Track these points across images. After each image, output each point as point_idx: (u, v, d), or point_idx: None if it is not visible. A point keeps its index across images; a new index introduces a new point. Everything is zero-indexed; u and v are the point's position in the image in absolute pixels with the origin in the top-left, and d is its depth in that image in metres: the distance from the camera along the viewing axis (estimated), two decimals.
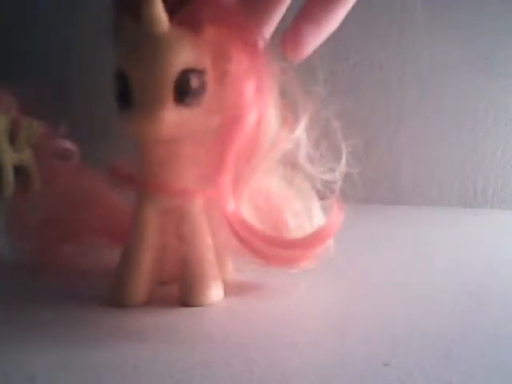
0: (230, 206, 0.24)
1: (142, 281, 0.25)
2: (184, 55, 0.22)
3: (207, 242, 0.25)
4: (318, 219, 0.27)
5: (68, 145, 0.69)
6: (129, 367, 0.18)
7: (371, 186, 0.62)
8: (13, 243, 0.30)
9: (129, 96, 0.22)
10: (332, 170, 0.25)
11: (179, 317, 0.24)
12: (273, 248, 0.24)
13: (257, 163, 0.24)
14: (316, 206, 0.27)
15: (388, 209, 0.60)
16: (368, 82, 0.63)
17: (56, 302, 0.25)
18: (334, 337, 0.21)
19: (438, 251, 0.38)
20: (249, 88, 0.23)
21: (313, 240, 0.24)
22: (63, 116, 0.66)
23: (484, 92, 0.60)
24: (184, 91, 0.22)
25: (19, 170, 0.72)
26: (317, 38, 0.25)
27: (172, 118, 0.22)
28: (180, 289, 0.25)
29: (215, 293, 0.25)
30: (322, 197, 0.27)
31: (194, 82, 0.22)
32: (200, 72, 0.23)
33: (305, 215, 0.27)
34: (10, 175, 0.71)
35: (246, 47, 0.24)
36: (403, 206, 0.61)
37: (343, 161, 0.25)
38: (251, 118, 0.23)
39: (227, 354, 0.19)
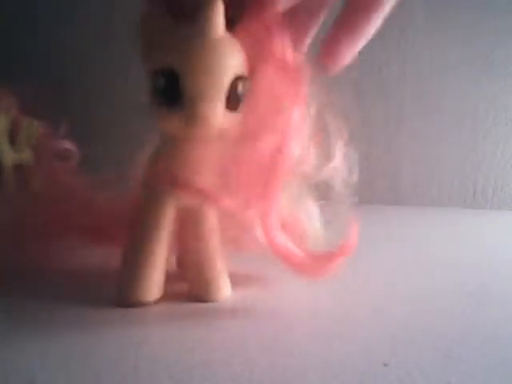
0: (277, 236, 0.25)
1: (157, 277, 0.25)
2: (238, 61, 0.23)
3: (219, 240, 0.26)
4: (317, 222, 0.27)
5: (68, 145, 0.69)
6: (129, 367, 0.18)
7: (371, 186, 0.62)
8: (8, 243, 0.30)
9: (175, 93, 0.23)
10: (334, 170, 0.26)
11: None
12: (309, 263, 0.25)
13: (283, 183, 0.25)
14: (314, 209, 0.27)
15: (388, 209, 0.60)
16: (368, 82, 0.63)
17: (53, 303, 0.25)
18: (334, 337, 0.21)
19: (438, 251, 0.38)
20: (293, 113, 0.24)
21: (337, 254, 0.25)
22: (63, 116, 0.66)
23: (484, 92, 0.60)
24: (233, 96, 0.23)
25: (19, 170, 0.72)
26: (354, 47, 0.25)
27: (221, 120, 0.23)
28: (193, 285, 0.26)
29: (227, 289, 0.27)
30: (323, 197, 0.27)
31: (242, 87, 0.24)
32: (245, 78, 0.24)
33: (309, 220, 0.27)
34: (10, 175, 0.71)
35: (281, 61, 0.24)
36: (403, 206, 0.61)
37: (351, 162, 0.26)
38: (293, 145, 0.24)
39: (227, 354, 0.19)
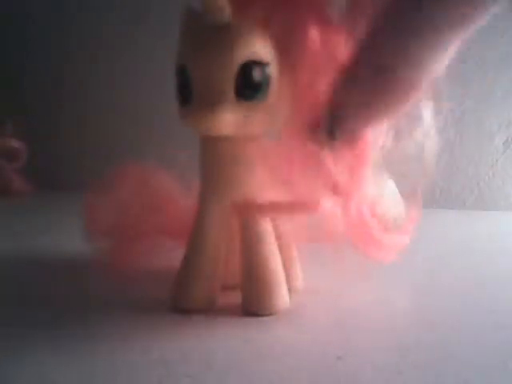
0: (353, 208, 0.23)
1: (203, 285, 0.24)
2: (246, 46, 0.21)
3: (272, 246, 0.23)
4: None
5: (15, 143, 0.66)
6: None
7: None
8: (88, 242, 0.29)
9: (189, 91, 0.21)
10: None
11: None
12: (380, 241, 0.24)
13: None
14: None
15: None
16: None
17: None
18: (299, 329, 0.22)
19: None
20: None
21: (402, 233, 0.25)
22: (10, 114, 0.64)
23: None
24: (246, 84, 0.21)
25: None
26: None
27: (233, 113, 0.21)
28: (242, 296, 0.24)
29: (280, 301, 0.23)
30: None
31: (257, 74, 0.21)
32: (263, 64, 0.21)
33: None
34: None
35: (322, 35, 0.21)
36: None
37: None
38: None
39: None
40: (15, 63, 0.77)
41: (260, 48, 0.21)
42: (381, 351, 0.20)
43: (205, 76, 0.21)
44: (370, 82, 0.18)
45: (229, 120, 0.21)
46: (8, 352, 0.20)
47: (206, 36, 0.21)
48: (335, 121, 0.19)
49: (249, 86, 0.21)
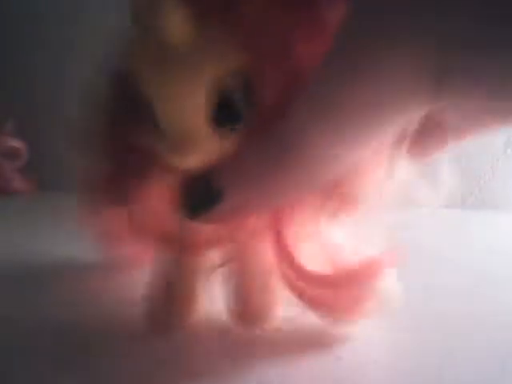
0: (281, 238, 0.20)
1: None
2: (216, 66, 0.16)
3: (260, 261, 0.21)
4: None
5: (15, 143, 0.66)
6: None
7: None
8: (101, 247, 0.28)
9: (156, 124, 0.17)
10: None
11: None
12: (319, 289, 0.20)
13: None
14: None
15: None
16: None
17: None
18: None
19: None
20: None
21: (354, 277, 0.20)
22: (10, 112, 0.64)
23: None
24: (221, 111, 0.17)
25: None
26: None
27: (209, 145, 0.17)
28: (237, 307, 0.22)
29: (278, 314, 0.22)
30: None
31: (235, 97, 0.17)
32: (243, 81, 0.17)
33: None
34: None
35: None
36: None
37: None
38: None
39: None
40: (15, 63, 0.77)
41: (238, 61, 0.17)
42: (381, 351, 0.20)
43: (168, 108, 0.17)
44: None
45: (203, 154, 0.17)
46: (8, 353, 0.20)
47: (151, 60, 0.17)
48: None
49: (225, 112, 0.17)
